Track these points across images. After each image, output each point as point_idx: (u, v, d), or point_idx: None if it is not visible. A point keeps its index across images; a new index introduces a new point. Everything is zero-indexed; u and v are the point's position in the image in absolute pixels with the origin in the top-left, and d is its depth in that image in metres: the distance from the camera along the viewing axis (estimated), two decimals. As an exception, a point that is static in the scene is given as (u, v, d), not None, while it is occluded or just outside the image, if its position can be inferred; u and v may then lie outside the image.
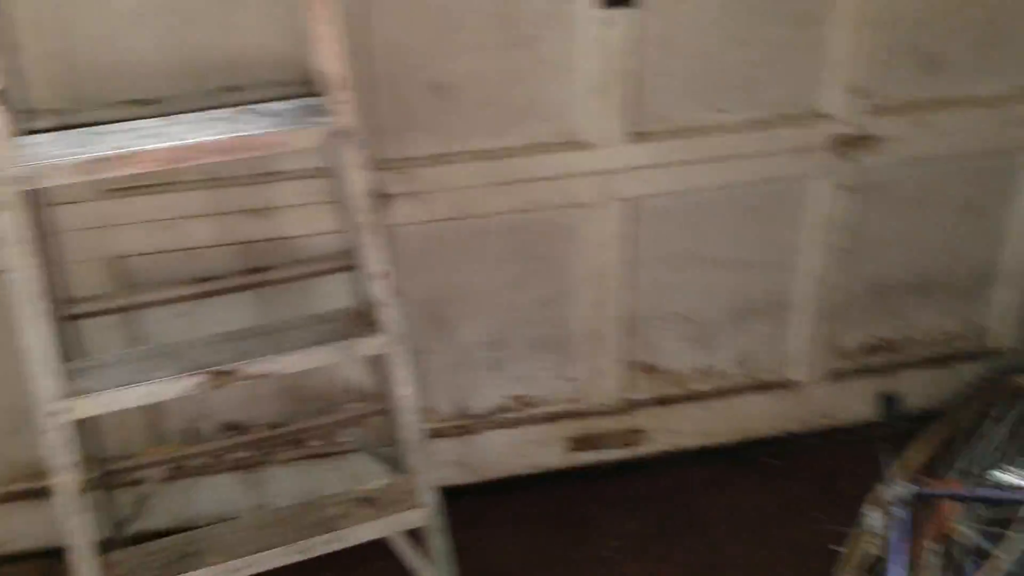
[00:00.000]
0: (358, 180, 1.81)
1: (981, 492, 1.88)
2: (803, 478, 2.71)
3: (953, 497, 1.93)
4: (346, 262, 2.07)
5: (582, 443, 2.71)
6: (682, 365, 2.69)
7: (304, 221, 2.23)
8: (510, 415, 2.64)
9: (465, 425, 2.62)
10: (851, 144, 2.42)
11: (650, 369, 2.67)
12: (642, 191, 2.39)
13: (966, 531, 1.86)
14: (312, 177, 2.19)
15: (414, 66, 2.17)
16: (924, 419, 2.77)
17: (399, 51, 2.15)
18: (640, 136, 2.33)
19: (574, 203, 2.38)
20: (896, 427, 2.80)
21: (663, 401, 2.71)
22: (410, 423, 2.00)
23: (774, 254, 2.57)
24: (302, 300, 2.22)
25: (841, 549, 2.33)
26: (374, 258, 1.86)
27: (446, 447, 2.62)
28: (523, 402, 2.64)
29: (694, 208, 2.45)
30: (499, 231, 2.39)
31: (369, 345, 1.89)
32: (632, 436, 2.73)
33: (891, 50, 2.34)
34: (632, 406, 2.70)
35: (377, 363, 2.11)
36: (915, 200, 2.56)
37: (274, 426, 2.42)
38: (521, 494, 2.68)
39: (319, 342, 1.87)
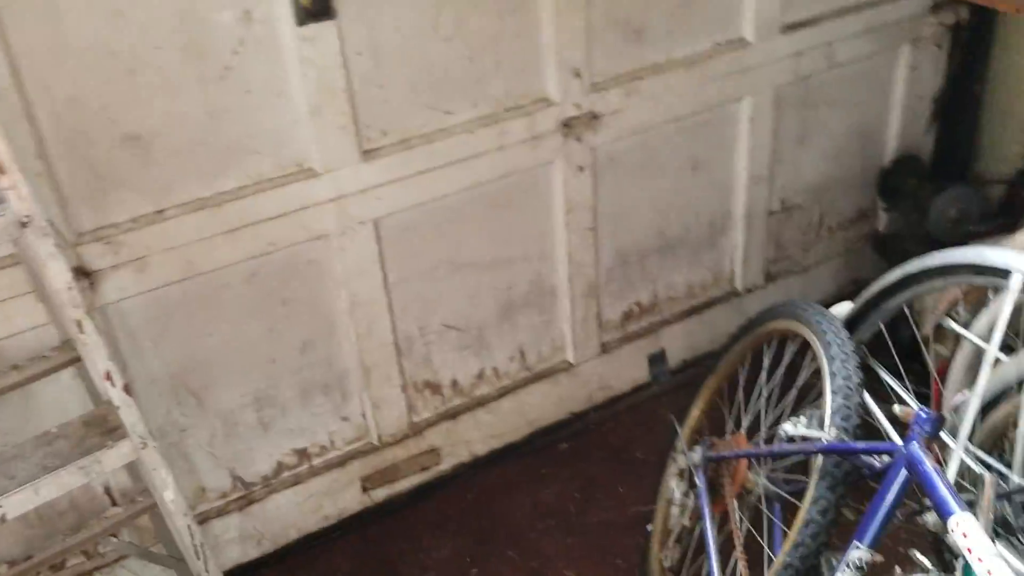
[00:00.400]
0: (54, 271, 1.54)
1: (766, 448, 1.95)
2: (598, 456, 2.73)
3: (742, 456, 1.99)
4: (67, 356, 1.78)
5: (377, 479, 2.57)
6: (461, 374, 2.61)
7: (3, 320, 1.90)
8: (293, 472, 2.45)
9: (246, 496, 2.40)
10: (577, 125, 2.42)
11: (431, 386, 2.58)
12: (383, 209, 2.26)
13: (766, 484, 1.92)
14: (3, 268, 1.86)
15: (99, 121, 1.90)
16: (693, 369, 2.91)
17: (76, 108, 1.86)
18: (369, 153, 2.19)
19: (314, 236, 2.21)
20: (666, 383, 2.92)
21: (450, 415, 2.63)
22: (182, 526, 1.76)
23: (529, 245, 2.54)
24: (23, 416, 1.90)
25: (649, 526, 2.36)
26: (94, 356, 1.60)
27: (230, 524, 2.39)
28: (304, 455, 2.46)
29: (441, 216, 2.36)
30: (238, 282, 2.17)
31: (114, 457, 1.63)
32: (427, 458, 2.63)
33: (597, 26, 2.36)
34: (421, 428, 2.59)
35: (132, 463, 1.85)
36: (645, 167, 2.62)
37: (22, 559, 2.06)
38: (324, 550, 2.50)
39: (51, 468, 1.59)
